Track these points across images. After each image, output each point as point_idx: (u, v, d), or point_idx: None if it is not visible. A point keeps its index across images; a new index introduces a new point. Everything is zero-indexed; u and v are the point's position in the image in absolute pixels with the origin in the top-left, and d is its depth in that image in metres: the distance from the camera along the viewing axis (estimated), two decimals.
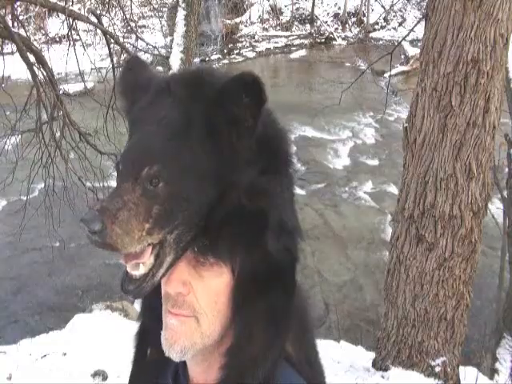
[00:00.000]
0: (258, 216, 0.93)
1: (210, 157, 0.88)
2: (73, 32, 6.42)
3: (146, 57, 12.43)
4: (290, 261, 1.01)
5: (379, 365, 4.14)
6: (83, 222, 0.81)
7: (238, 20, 21.61)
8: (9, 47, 8.61)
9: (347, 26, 22.08)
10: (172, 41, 6.38)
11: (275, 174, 0.96)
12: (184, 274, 0.93)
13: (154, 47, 7.86)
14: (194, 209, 0.89)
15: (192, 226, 0.89)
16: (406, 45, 17.21)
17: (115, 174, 0.92)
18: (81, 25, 7.54)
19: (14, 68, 7.27)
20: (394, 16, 22.10)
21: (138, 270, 0.89)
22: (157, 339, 1.02)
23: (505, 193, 5.47)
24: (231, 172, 0.89)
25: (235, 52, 20.67)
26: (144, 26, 18.33)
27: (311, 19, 22.18)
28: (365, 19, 21.98)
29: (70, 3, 6.49)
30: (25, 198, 6.26)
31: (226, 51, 20.52)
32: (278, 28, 22.02)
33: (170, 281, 0.93)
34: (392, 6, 19.86)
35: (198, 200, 0.89)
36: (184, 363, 1.07)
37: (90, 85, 9.66)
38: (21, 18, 11.80)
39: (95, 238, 0.82)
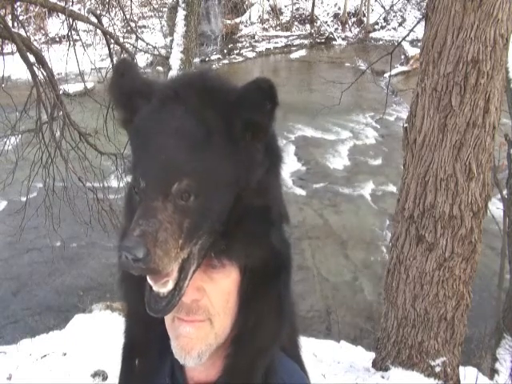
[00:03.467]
0: (264, 212, 0.96)
1: (230, 163, 0.88)
2: (73, 32, 6.42)
3: (145, 57, 12.46)
4: (287, 249, 1.06)
5: (379, 365, 4.15)
6: (126, 250, 0.77)
7: (238, 20, 21.62)
8: (9, 47, 8.60)
9: (347, 26, 22.09)
10: (172, 41, 6.37)
11: (274, 169, 0.99)
12: (197, 280, 0.93)
13: (154, 47, 7.86)
14: (217, 216, 0.89)
15: (213, 232, 0.90)
16: (405, 45, 17.22)
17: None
18: (81, 25, 7.55)
19: (14, 68, 7.28)
20: (393, 16, 22.10)
21: (166, 287, 0.87)
22: (144, 349, 1.06)
23: (505, 193, 5.47)
24: (247, 175, 0.91)
25: (235, 52, 20.67)
26: (144, 26, 18.33)
27: (311, 19, 22.18)
28: (365, 19, 21.98)
29: (70, 3, 6.48)
30: (25, 198, 6.25)
31: (225, 51, 20.52)
32: (278, 28, 22.02)
33: (186, 290, 0.93)
34: (392, 6, 19.89)
35: (221, 207, 0.89)
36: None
37: (90, 85, 9.65)
38: (21, 18, 11.81)
39: (138, 264, 0.78)
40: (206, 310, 0.96)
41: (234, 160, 0.88)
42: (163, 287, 0.86)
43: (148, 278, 0.86)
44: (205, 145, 0.85)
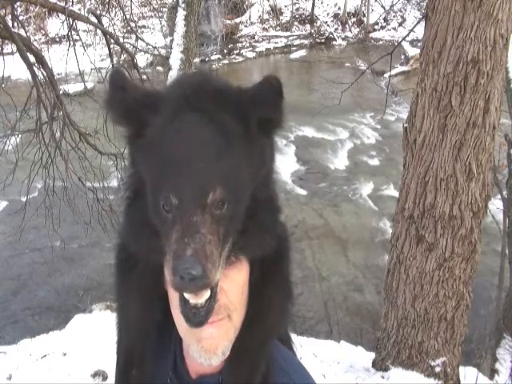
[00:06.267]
0: (270, 203, 0.99)
1: (249, 163, 0.89)
2: (73, 32, 6.42)
3: (145, 57, 12.45)
4: (286, 232, 1.10)
5: (379, 365, 4.14)
6: (184, 271, 0.77)
7: (237, 20, 21.61)
8: (9, 47, 8.60)
9: (347, 26, 22.08)
10: (172, 41, 6.38)
11: (273, 161, 1.01)
12: None
13: (154, 47, 7.84)
14: (241, 217, 0.90)
15: (235, 233, 0.91)
16: (405, 45, 17.22)
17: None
18: (81, 25, 7.53)
19: (14, 68, 7.27)
20: (393, 16, 22.09)
21: (204, 297, 0.87)
22: (142, 359, 1.09)
23: (505, 193, 5.47)
24: (260, 171, 0.93)
25: (235, 52, 20.66)
26: (144, 26, 18.31)
27: (311, 19, 22.18)
28: (365, 19, 21.97)
29: (70, 3, 6.49)
30: (25, 198, 6.25)
31: (225, 51, 20.51)
32: (278, 28, 22.01)
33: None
34: (392, 6, 19.88)
35: (244, 208, 0.91)
36: (182, 355, 1.10)
37: (90, 85, 9.66)
38: (21, 18, 11.80)
39: (195, 282, 0.78)
40: (225, 308, 0.98)
41: (251, 159, 0.89)
42: (201, 298, 0.87)
43: (188, 293, 0.86)
44: (227, 150, 0.86)
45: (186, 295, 0.87)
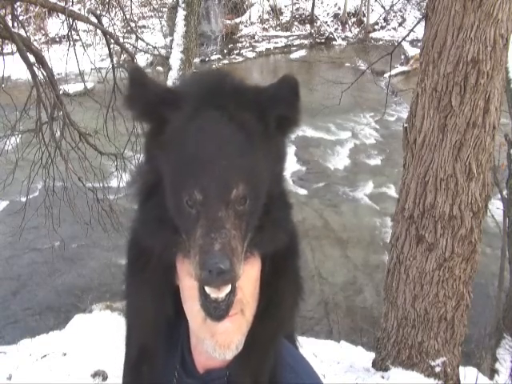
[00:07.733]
0: (282, 198, 1.02)
1: (267, 160, 0.92)
2: (73, 32, 6.42)
3: (145, 57, 12.45)
4: (294, 227, 1.11)
5: (379, 365, 4.14)
6: (213, 265, 0.79)
7: (237, 20, 21.60)
8: (9, 47, 8.60)
9: (347, 26, 22.07)
10: (172, 41, 6.37)
11: (286, 159, 1.03)
12: None
13: (154, 47, 7.84)
14: (258, 213, 0.92)
15: (253, 228, 0.92)
16: (405, 45, 17.21)
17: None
18: (81, 25, 7.53)
19: (14, 68, 7.27)
20: (393, 16, 22.08)
21: (225, 291, 0.89)
22: (153, 355, 1.09)
23: (505, 193, 5.47)
24: (275, 168, 0.96)
25: (235, 52, 20.65)
26: (144, 26, 18.30)
27: (311, 19, 22.17)
28: (365, 19, 21.97)
29: (70, 3, 6.49)
30: (25, 198, 6.25)
31: (225, 51, 20.51)
32: (278, 28, 22.00)
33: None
34: (392, 6, 19.87)
35: (262, 203, 0.92)
36: (189, 350, 1.11)
37: (90, 85, 9.66)
38: (21, 18, 11.79)
39: (222, 276, 0.80)
40: (240, 303, 0.98)
41: (269, 156, 0.92)
42: (222, 291, 0.88)
43: (213, 287, 0.87)
44: (248, 147, 0.88)
45: (207, 289, 0.88)
